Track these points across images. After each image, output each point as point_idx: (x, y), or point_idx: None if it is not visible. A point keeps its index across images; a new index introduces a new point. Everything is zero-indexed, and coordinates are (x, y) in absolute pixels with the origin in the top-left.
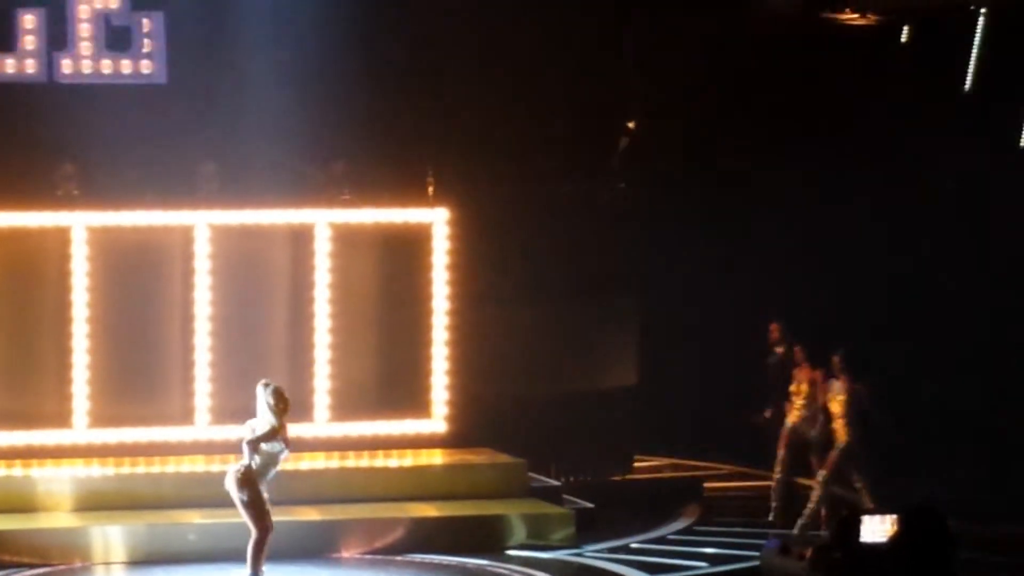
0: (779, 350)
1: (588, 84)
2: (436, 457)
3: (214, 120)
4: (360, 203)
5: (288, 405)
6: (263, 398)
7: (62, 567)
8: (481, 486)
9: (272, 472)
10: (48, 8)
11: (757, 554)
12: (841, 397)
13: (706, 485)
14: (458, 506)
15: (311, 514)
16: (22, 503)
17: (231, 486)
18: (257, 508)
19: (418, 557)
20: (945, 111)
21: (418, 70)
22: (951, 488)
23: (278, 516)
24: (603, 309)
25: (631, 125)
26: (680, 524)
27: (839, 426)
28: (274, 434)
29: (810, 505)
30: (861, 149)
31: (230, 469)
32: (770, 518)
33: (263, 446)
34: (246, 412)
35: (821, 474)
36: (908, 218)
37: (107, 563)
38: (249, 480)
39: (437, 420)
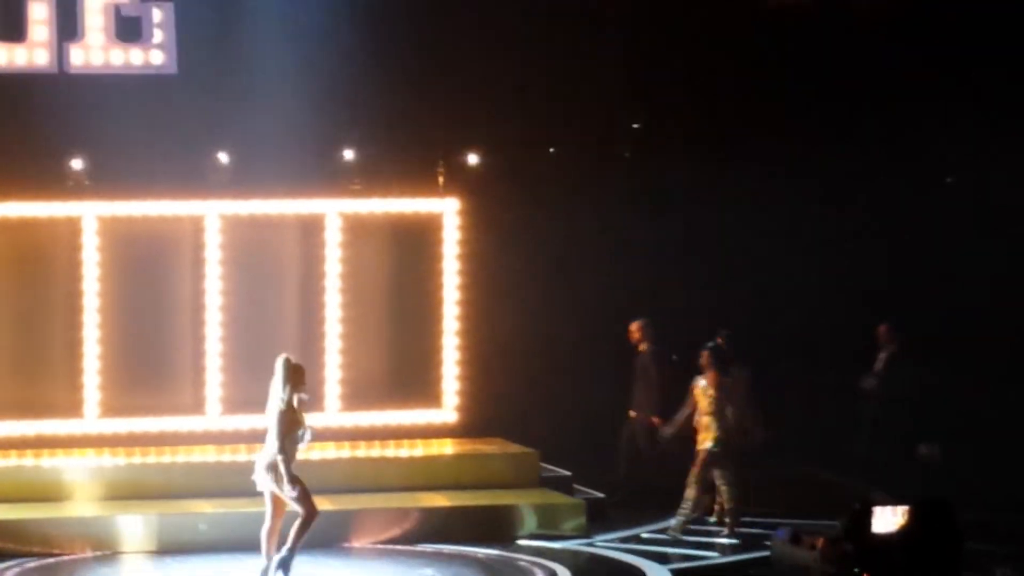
0: (642, 348)
1: (597, 75)
2: (447, 447)
3: (224, 110)
4: (370, 193)
5: (302, 378)
6: (278, 371)
7: (73, 556)
8: (492, 476)
9: (297, 455)
10: None
11: (766, 544)
12: (711, 392)
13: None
14: (469, 496)
15: (322, 504)
16: (33, 492)
17: (263, 477)
18: (301, 492)
19: (429, 547)
20: None
21: (429, 60)
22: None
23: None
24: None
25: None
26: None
27: (705, 424)
28: (290, 421)
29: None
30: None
31: (259, 460)
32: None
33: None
34: (256, 403)
35: (693, 473)
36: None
37: (119, 552)
38: (287, 468)
39: (448, 410)
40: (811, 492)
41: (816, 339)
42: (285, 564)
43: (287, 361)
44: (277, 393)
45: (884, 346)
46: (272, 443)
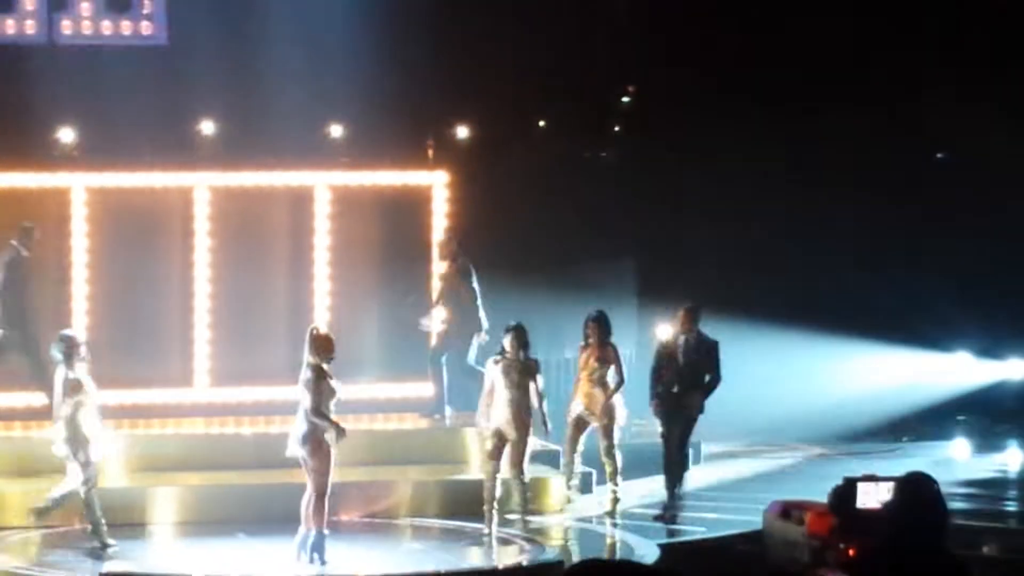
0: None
1: (587, 48)
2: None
3: (214, 82)
4: (360, 165)
5: (328, 349)
6: (306, 343)
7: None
8: (480, 450)
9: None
10: None
11: (749, 520)
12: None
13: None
14: (456, 469)
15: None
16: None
17: (300, 451)
18: (326, 468)
19: (417, 521)
20: None
21: (419, 32)
22: None
23: (276, 480)
24: (602, 273)
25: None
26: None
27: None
28: (319, 391)
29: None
30: None
31: (293, 434)
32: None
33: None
34: (245, 375)
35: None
36: None
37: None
38: (318, 443)
39: None
40: None
41: None
42: (318, 547)
43: (311, 332)
44: (304, 364)
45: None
46: (301, 415)
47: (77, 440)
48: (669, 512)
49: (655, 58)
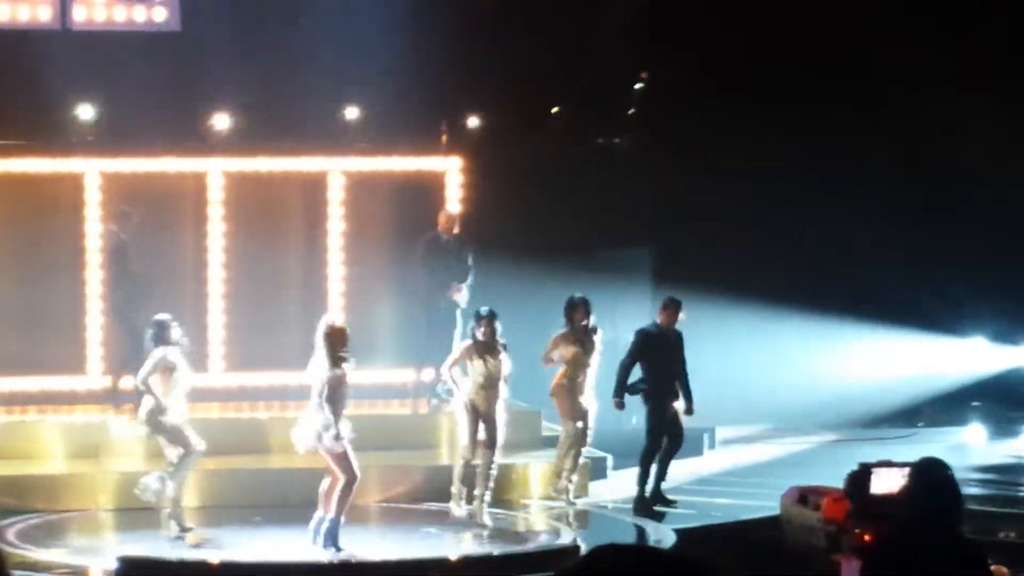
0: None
1: (604, 36)
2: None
3: (227, 67)
4: (374, 151)
5: (342, 341)
6: (317, 335)
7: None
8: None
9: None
10: None
11: (765, 504)
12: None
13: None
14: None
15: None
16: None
17: (318, 445)
18: (344, 456)
19: (433, 505)
20: None
21: (436, 19)
22: None
23: (293, 464)
24: (616, 260)
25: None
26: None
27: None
28: (330, 383)
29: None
30: None
31: (306, 429)
32: None
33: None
34: (257, 360)
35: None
36: None
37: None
38: (333, 436)
39: None
40: None
41: None
42: (332, 533)
43: (327, 325)
44: (316, 356)
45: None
46: (314, 406)
47: (170, 423)
48: (643, 504)
49: (669, 43)
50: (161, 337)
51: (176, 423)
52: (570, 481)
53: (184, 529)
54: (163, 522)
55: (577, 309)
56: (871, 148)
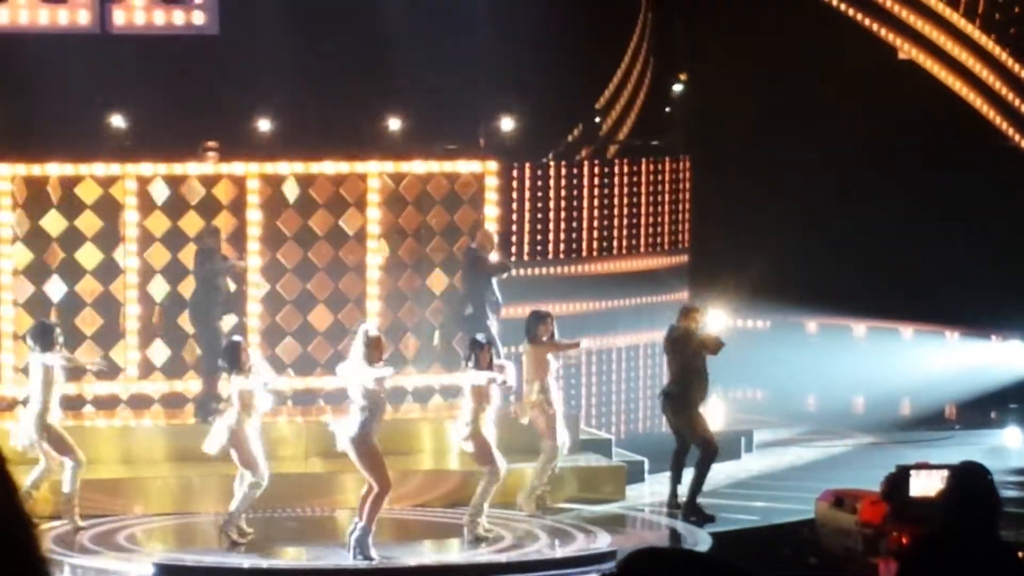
0: None
1: (641, 44)
2: None
3: (266, 71)
4: (412, 155)
5: (379, 350)
6: (356, 343)
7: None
8: (531, 438)
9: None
10: None
11: (801, 508)
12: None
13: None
14: (508, 458)
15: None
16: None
17: (349, 450)
18: (378, 465)
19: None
20: None
21: (473, 26)
22: None
23: (328, 469)
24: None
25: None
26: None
27: None
28: (369, 392)
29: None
30: None
31: (343, 429)
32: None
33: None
34: (295, 363)
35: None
36: None
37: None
38: (366, 440)
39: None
40: None
41: None
42: (361, 542)
43: (365, 334)
44: (354, 364)
45: None
46: (354, 413)
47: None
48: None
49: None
50: (238, 360)
51: (252, 448)
52: (546, 491)
53: (242, 534)
54: (217, 532)
55: (543, 322)
56: (921, 152)
